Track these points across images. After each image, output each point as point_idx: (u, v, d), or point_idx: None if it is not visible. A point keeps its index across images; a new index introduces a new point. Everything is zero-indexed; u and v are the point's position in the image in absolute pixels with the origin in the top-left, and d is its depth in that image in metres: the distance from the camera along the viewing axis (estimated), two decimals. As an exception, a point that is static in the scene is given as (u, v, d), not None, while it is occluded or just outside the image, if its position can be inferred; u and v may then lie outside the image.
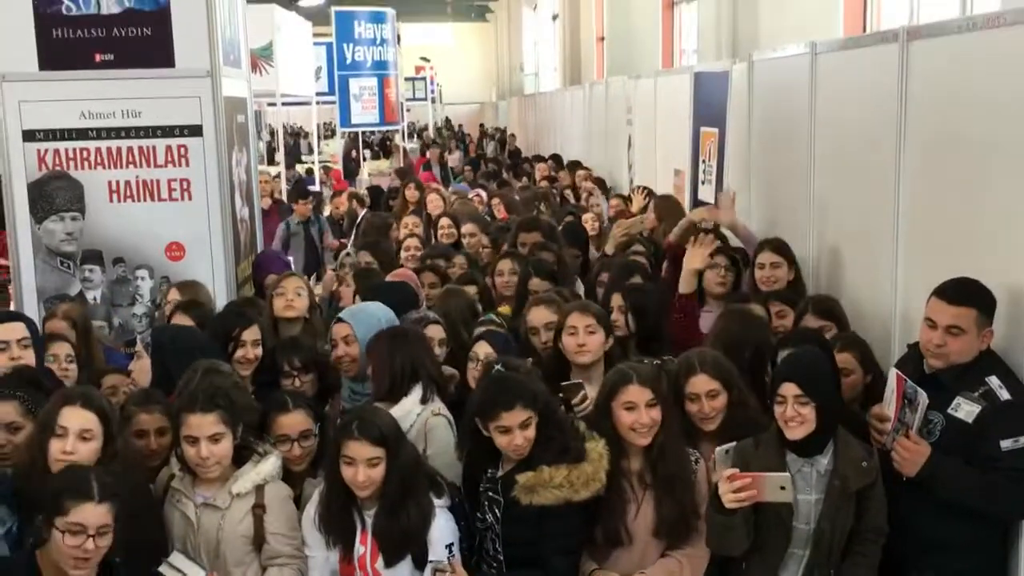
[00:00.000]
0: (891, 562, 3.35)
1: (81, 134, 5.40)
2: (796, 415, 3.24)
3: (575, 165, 12.19)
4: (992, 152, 3.67)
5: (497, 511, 3.35)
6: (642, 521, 3.35)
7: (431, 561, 3.23)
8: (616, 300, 4.55)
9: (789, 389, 3.25)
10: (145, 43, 5.35)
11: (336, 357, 4.21)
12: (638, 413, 3.33)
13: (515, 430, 3.26)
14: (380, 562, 3.26)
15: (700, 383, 3.55)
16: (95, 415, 3.22)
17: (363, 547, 3.28)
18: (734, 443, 3.36)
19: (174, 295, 5.00)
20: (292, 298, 4.80)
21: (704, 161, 7.84)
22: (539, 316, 4.40)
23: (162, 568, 3.16)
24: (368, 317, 4.20)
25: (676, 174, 8.58)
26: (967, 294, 3.42)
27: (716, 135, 7.46)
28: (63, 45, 5.32)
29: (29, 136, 5.37)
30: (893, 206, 4.35)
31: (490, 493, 3.38)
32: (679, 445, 3.43)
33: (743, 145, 6.64)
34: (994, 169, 3.65)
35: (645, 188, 8.64)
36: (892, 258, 4.37)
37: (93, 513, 2.82)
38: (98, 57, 5.35)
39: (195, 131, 5.46)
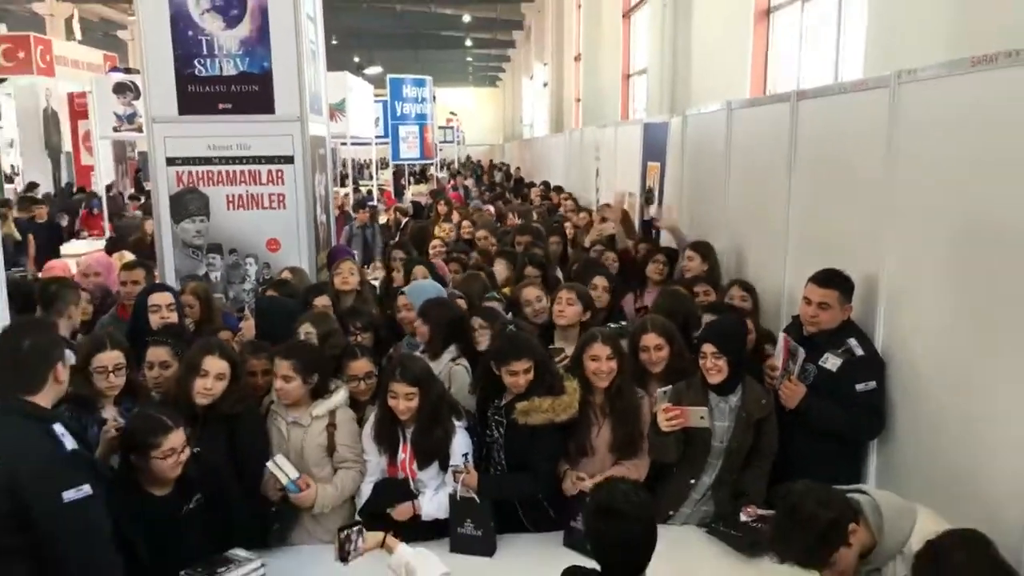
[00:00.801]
0: (777, 474, 3.34)
1: (207, 161, 5.38)
2: (714, 366, 3.26)
3: (559, 189, 12.14)
4: (854, 178, 3.68)
5: (501, 430, 3.35)
6: (602, 439, 3.36)
7: (452, 465, 3.23)
8: (600, 281, 4.59)
9: (708, 348, 3.27)
10: (254, 96, 5.32)
11: (400, 318, 4.23)
12: (600, 363, 3.33)
13: (520, 374, 3.26)
14: (415, 465, 3.27)
15: (650, 339, 3.55)
16: (227, 362, 3.19)
17: (404, 454, 3.28)
18: (671, 386, 3.37)
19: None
20: (347, 276, 4.78)
21: (650, 187, 7.84)
22: (530, 293, 4.40)
23: (269, 464, 3.15)
24: (421, 291, 4.24)
25: (630, 195, 8.55)
26: (832, 280, 3.43)
27: (659, 167, 7.46)
28: (196, 96, 5.31)
29: (171, 162, 5.36)
30: (784, 217, 4.34)
31: (496, 417, 3.38)
32: (630, 387, 3.42)
33: (678, 173, 6.61)
34: (856, 191, 3.65)
35: (609, 205, 8.59)
36: (783, 254, 4.36)
37: (176, 437, 2.78)
38: (220, 106, 5.33)
39: (288, 160, 5.43)
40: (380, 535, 2.88)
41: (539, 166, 18.58)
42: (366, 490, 3.34)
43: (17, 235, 9.51)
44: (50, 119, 16.48)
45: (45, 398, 2.44)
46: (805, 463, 3.12)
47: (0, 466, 2.27)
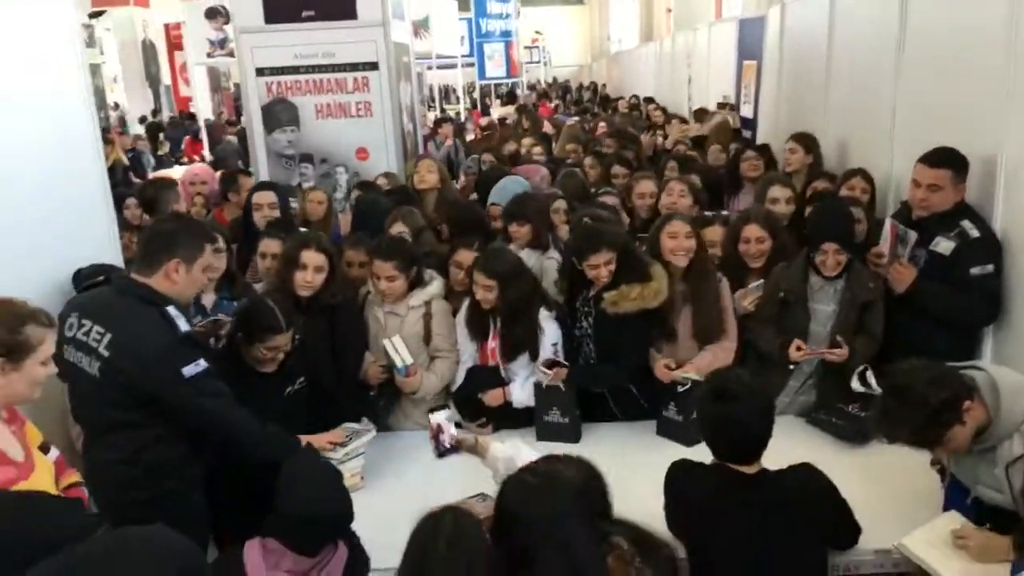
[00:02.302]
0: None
1: (294, 70, 5.45)
2: (835, 262, 3.16)
3: (648, 100, 11.78)
4: (971, 58, 3.37)
5: (589, 320, 3.31)
6: (683, 325, 3.29)
7: (541, 357, 3.24)
8: (694, 178, 4.58)
9: (831, 246, 3.15)
10: (336, 2, 5.32)
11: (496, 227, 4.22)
12: (678, 240, 3.25)
13: (601, 266, 3.19)
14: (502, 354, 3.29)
15: (752, 230, 3.44)
16: (324, 255, 3.23)
17: (494, 343, 3.31)
18: (762, 280, 3.30)
19: (382, 180, 5.05)
20: (424, 175, 4.82)
21: (745, 87, 7.50)
22: (644, 187, 4.49)
23: (386, 342, 3.23)
24: (504, 190, 4.24)
25: (724, 98, 8.22)
26: (945, 159, 3.20)
27: (755, 65, 7.11)
28: (280, 4, 5.34)
29: (260, 72, 5.45)
30: (891, 103, 4.08)
31: (584, 309, 3.34)
32: (709, 270, 3.33)
33: (775, 68, 6.28)
34: (973, 72, 3.36)
35: (704, 109, 8.33)
36: (889, 143, 4.10)
37: (282, 339, 2.88)
38: (304, 13, 5.35)
39: (373, 66, 5.44)
40: (472, 438, 2.88)
41: (628, 81, 18.05)
42: (460, 375, 3.39)
43: (126, 160, 9.98)
44: (148, 50, 17.01)
45: (159, 285, 2.50)
46: (914, 353, 2.99)
47: (122, 344, 2.40)
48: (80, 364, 2.43)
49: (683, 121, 8.17)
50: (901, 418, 2.19)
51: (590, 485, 1.88)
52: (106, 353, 2.40)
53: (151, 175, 9.80)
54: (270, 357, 2.89)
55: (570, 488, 1.83)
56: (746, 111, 7.38)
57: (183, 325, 2.45)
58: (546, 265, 3.72)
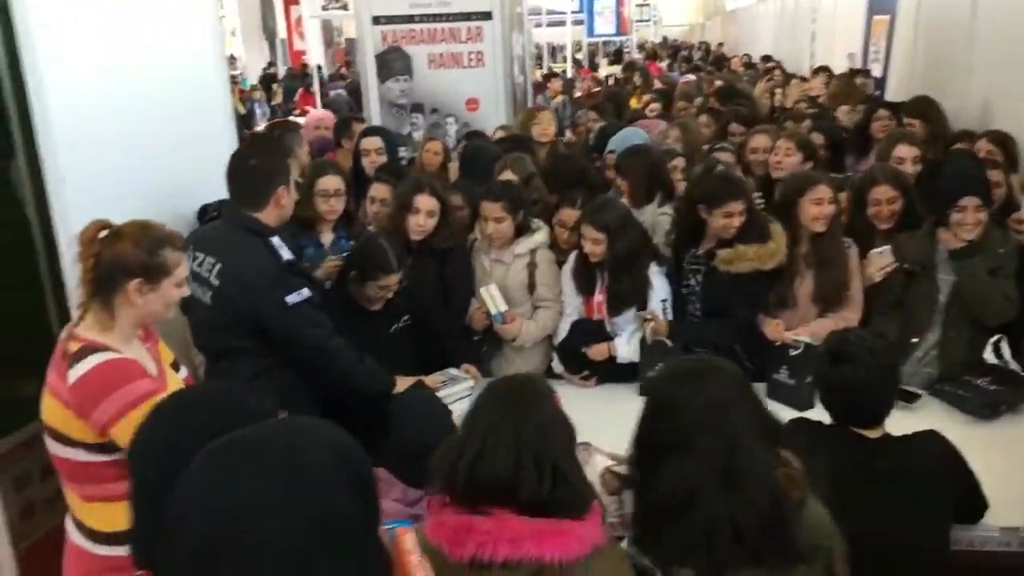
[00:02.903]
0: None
1: (409, 19, 5.49)
2: (975, 221, 2.93)
3: (766, 59, 11.30)
4: None
5: (698, 278, 3.23)
6: (804, 289, 3.16)
7: (647, 311, 3.18)
8: (818, 137, 4.38)
9: (972, 201, 2.92)
10: (453, -49, 5.31)
11: (611, 178, 4.15)
12: (822, 207, 3.11)
13: (736, 215, 3.08)
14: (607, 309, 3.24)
15: (881, 191, 3.25)
16: (437, 200, 3.25)
17: (600, 296, 3.27)
18: (888, 246, 3.12)
19: (500, 133, 5.05)
20: (546, 127, 4.84)
21: (874, 44, 7.09)
22: (759, 141, 4.36)
23: (482, 290, 3.27)
24: (624, 139, 4.21)
25: (849, 56, 7.79)
26: None
27: (887, 20, 6.70)
28: (399, -47, 5.37)
29: (376, 20, 5.51)
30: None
31: (692, 265, 3.26)
32: (839, 234, 3.18)
33: (911, 23, 5.88)
34: None
35: (825, 68, 7.91)
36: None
37: (394, 279, 2.95)
38: (421, -39, 5.37)
39: (486, 16, 5.42)
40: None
41: (744, 40, 17.36)
42: (564, 328, 3.38)
43: (242, 108, 10.37)
44: (266, 4, 17.50)
45: (267, 217, 2.61)
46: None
47: (230, 273, 2.52)
48: (196, 294, 2.55)
49: (803, 80, 7.79)
50: None
51: (751, 389, 1.77)
52: (216, 282, 2.53)
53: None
54: (380, 296, 2.98)
55: (734, 379, 1.72)
56: (875, 69, 6.99)
57: (286, 254, 2.54)
58: (659, 220, 3.65)
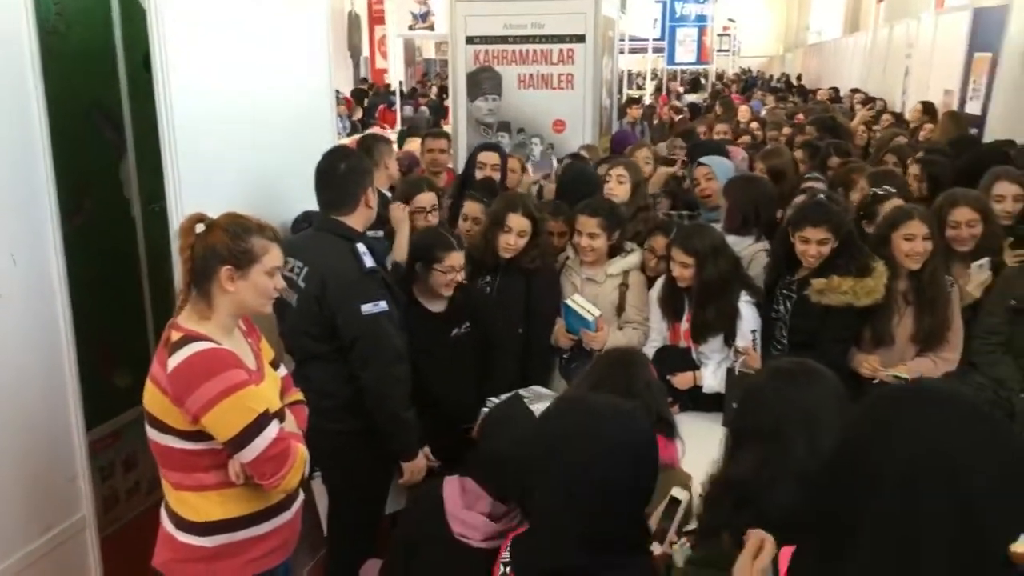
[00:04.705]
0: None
1: (502, 40, 5.57)
2: None
3: (855, 91, 11.10)
4: None
5: (788, 304, 3.17)
6: (903, 328, 3.07)
7: (737, 343, 3.13)
8: (913, 169, 4.29)
9: None
10: (551, -27, 5.37)
11: (699, 190, 4.13)
12: (915, 243, 3.02)
13: (813, 243, 3.04)
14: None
15: (962, 213, 3.21)
16: (528, 219, 3.27)
17: (687, 324, 3.23)
18: (986, 258, 3.10)
19: (584, 152, 5.04)
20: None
21: (974, 81, 6.89)
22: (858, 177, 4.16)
23: (569, 300, 3.26)
24: (722, 163, 4.16)
25: (946, 93, 7.58)
26: None
27: (989, 58, 6.51)
28: (495, -25, 5.46)
29: (470, 40, 5.61)
30: None
31: (784, 291, 3.20)
32: (941, 272, 3.08)
33: (1017, 63, 5.71)
34: None
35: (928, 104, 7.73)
36: None
37: (457, 257, 2.95)
38: (518, -17, 5.44)
39: (580, 39, 5.47)
40: None
41: (828, 74, 17.06)
42: (648, 354, 3.33)
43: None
44: (353, 22, 18.02)
45: (356, 220, 2.66)
46: None
47: (314, 276, 2.58)
48: (285, 297, 2.60)
49: (897, 115, 7.63)
50: None
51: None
52: (302, 284, 2.59)
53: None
54: (448, 280, 2.95)
55: (830, 385, 1.69)
56: (972, 107, 6.79)
57: (369, 262, 2.58)
58: (757, 256, 3.54)
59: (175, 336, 1.97)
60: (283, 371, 2.32)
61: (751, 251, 3.54)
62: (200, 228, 2.02)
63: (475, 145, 5.60)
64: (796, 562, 1.22)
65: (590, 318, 3.20)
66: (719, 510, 1.60)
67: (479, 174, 4.20)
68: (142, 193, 3.62)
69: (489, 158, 4.27)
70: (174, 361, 1.92)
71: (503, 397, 2.86)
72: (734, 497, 1.55)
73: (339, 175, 2.65)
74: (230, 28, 2.74)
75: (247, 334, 2.18)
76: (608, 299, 3.37)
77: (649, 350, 3.33)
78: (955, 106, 7.15)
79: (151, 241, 3.62)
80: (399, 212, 3.27)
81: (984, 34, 6.80)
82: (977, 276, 3.00)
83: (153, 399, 1.98)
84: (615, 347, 1.95)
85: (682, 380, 3.21)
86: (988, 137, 5.88)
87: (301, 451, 2.07)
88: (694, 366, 3.23)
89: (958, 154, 4.57)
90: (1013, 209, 3.57)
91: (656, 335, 3.36)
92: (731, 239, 3.44)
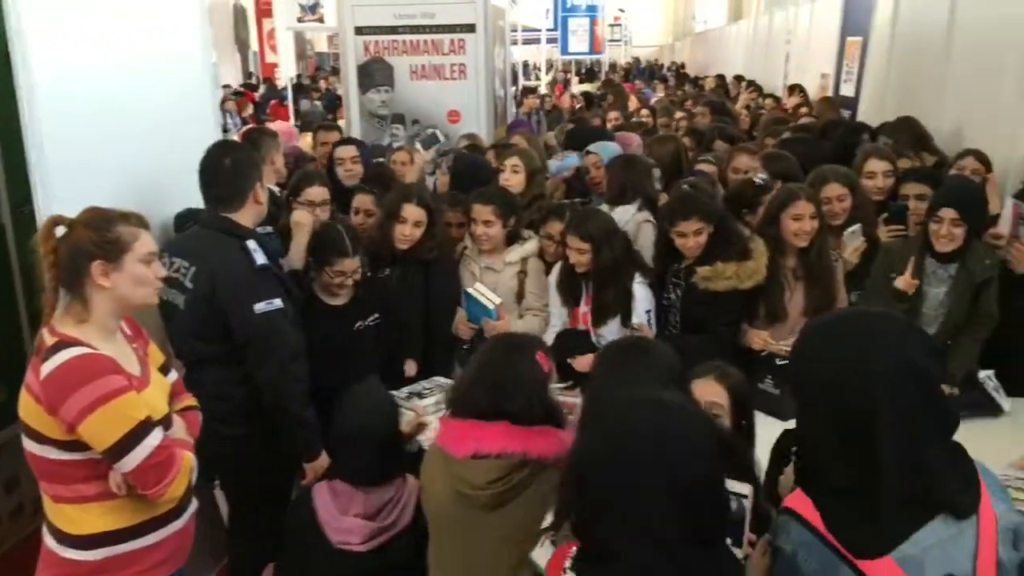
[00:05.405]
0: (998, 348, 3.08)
1: (392, 30, 5.51)
2: (949, 234, 2.98)
3: (739, 79, 11.51)
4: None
5: (678, 292, 3.26)
6: (794, 303, 3.21)
7: (632, 322, 3.19)
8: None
9: (948, 213, 2.97)
10: (437, -37, 5.35)
11: (589, 178, 4.23)
12: (803, 222, 3.15)
13: (690, 235, 3.12)
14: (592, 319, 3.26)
15: (832, 189, 3.38)
16: (424, 209, 3.25)
17: (586, 307, 3.28)
18: (858, 224, 3.25)
19: (464, 142, 5.08)
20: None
21: (847, 64, 7.27)
22: (741, 162, 4.30)
23: (470, 289, 3.27)
24: (607, 148, 4.27)
25: (823, 76, 7.98)
26: None
27: (860, 42, 6.87)
28: (383, -36, 5.40)
29: (359, 31, 5.52)
30: (1019, 81, 3.87)
31: (674, 279, 3.29)
32: (827, 248, 3.23)
33: (885, 46, 6.04)
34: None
35: (798, 86, 8.11)
36: (1012, 119, 3.92)
37: (350, 264, 2.94)
38: (405, -28, 5.40)
39: (470, 28, 5.46)
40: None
41: (713, 62, 17.63)
42: (548, 338, 3.37)
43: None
44: (239, 15, 17.43)
45: (245, 216, 2.58)
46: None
47: (203, 275, 2.49)
48: (171, 299, 2.53)
49: (777, 99, 7.98)
50: None
51: None
52: (190, 285, 2.51)
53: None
54: (338, 283, 2.95)
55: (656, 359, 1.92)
56: (846, 89, 7.16)
57: (260, 258, 2.51)
58: (643, 228, 3.67)
59: (49, 341, 1.87)
60: (173, 376, 2.23)
61: (636, 221, 3.64)
62: (61, 231, 1.92)
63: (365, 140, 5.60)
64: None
65: (491, 306, 3.21)
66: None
67: (339, 170, 4.12)
68: (10, 197, 3.41)
69: (346, 152, 4.17)
70: (47, 368, 1.82)
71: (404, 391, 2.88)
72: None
73: (225, 170, 2.56)
74: (96, 20, 2.60)
75: (132, 338, 2.09)
76: (507, 287, 3.39)
77: (550, 335, 3.37)
78: (831, 89, 7.53)
79: (22, 246, 3.41)
80: (303, 217, 3.14)
81: (855, 19, 7.17)
82: (851, 242, 3.16)
83: (28, 408, 1.88)
84: (505, 333, 2.01)
85: (583, 363, 3.25)
86: (860, 117, 6.20)
87: (187, 459, 1.99)
88: (594, 348, 3.29)
89: (826, 136, 4.81)
90: (884, 185, 3.77)
91: (556, 320, 3.40)
92: (616, 213, 3.54)
